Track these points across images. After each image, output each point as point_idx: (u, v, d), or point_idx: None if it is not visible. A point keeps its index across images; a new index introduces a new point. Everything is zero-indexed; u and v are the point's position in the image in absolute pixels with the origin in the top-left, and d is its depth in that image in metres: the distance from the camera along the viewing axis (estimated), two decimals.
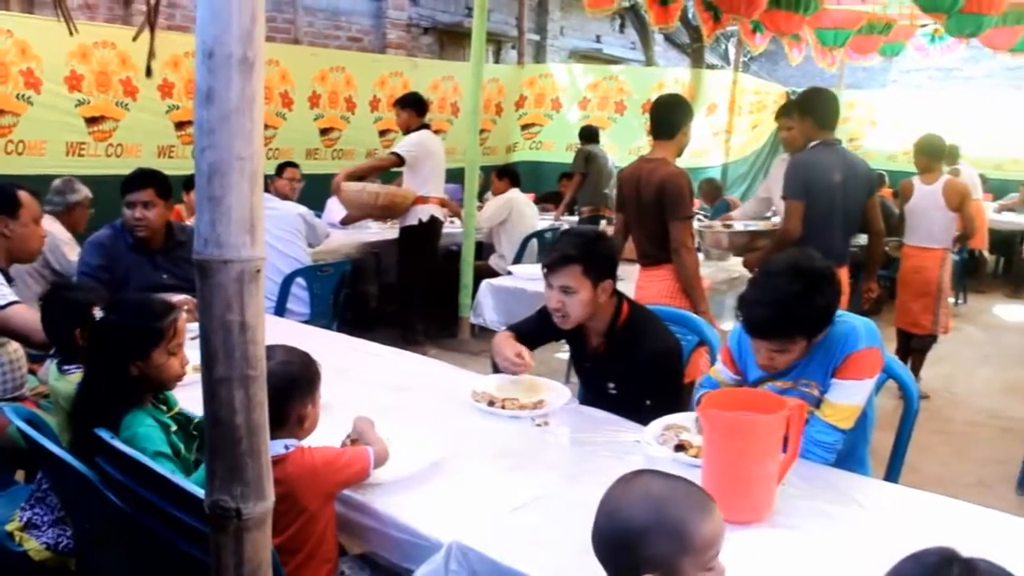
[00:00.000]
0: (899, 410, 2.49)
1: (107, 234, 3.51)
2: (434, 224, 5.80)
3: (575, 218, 7.70)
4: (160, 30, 5.38)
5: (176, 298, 2.83)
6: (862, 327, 2.17)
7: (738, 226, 4.95)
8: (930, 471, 3.94)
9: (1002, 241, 9.03)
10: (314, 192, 6.28)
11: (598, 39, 13.18)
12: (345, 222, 6.15)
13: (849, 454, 2.24)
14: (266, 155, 6.26)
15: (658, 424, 2.25)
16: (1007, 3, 6.42)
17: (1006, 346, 6.74)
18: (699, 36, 9.07)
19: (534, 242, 6.24)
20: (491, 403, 2.45)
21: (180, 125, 6.43)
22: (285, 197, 5.45)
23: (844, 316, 2.20)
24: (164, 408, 2.07)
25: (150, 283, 3.35)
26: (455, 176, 6.58)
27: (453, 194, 6.52)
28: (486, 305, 4.88)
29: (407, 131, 5.73)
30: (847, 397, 2.14)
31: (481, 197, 6.90)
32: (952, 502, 1.96)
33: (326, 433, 1.98)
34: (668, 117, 3.77)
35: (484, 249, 6.70)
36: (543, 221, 7.08)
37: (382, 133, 8.18)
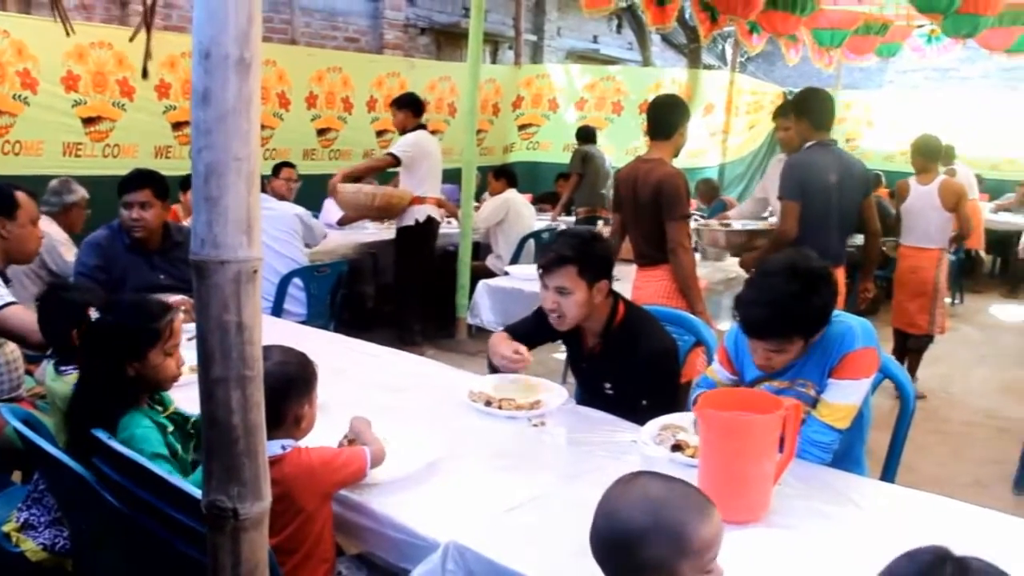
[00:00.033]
0: (896, 410, 2.50)
1: (104, 235, 3.50)
2: (431, 224, 5.80)
3: (572, 218, 7.69)
4: (156, 30, 5.38)
5: (173, 298, 2.83)
6: (858, 327, 2.17)
7: (736, 225, 4.96)
8: (927, 471, 3.95)
9: (998, 241, 9.05)
10: (311, 192, 6.27)
11: (595, 39, 13.18)
12: (342, 223, 6.15)
13: (845, 454, 2.25)
14: (263, 155, 6.27)
15: (655, 424, 2.25)
16: (1003, 4, 6.42)
17: (1003, 346, 6.76)
18: (696, 37, 9.08)
19: (531, 242, 6.24)
20: (488, 403, 2.45)
21: (177, 125, 6.41)
22: (282, 197, 5.44)
23: (841, 316, 2.21)
24: (160, 408, 2.08)
25: (147, 284, 3.34)
26: (452, 176, 6.58)
27: (450, 194, 6.52)
28: (483, 305, 4.87)
29: (403, 131, 5.73)
30: (843, 397, 2.15)
31: (478, 197, 6.90)
32: (948, 502, 1.96)
33: (323, 433, 1.98)
34: (665, 117, 3.77)
35: (481, 249, 6.70)
36: (540, 221, 7.07)
37: (379, 133, 8.17)
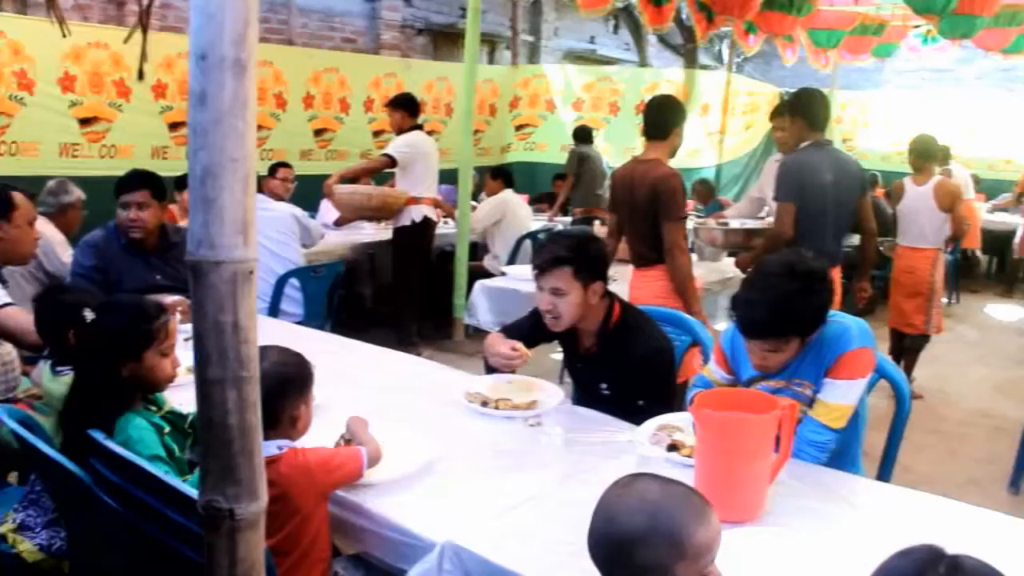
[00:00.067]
0: (892, 410, 2.50)
1: (100, 235, 3.50)
2: (427, 225, 5.79)
3: (569, 219, 7.70)
4: (153, 31, 5.37)
5: (170, 299, 2.83)
6: (855, 327, 2.18)
7: (733, 224, 4.96)
8: (923, 470, 3.96)
9: (995, 241, 9.07)
10: (308, 193, 6.27)
11: (592, 40, 13.17)
12: (339, 223, 6.15)
13: (842, 454, 2.25)
14: (260, 156, 6.29)
15: (651, 424, 2.26)
16: (999, 4, 6.44)
17: (999, 346, 6.77)
18: (693, 37, 9.09)
19: (528, 243, 6.24)
20: (484, 404, 2.45)
21: (173, 126, 6.42)
22: (279, 198, 5.43)
23: (837, 316, 2.21)
24: (154, 408, 2.08)
25: (144, 284, 3.33)
26: (449, 177, 6.58)
27: (447, 195, 6.52)
28: (480, 306, 4.88)
29: (400, 132, 5.73)
30: (840, 397, 2.15)
31: (475, 198, 6.90)
32: (944, 501, 1.97)
33: (320, 434, 1.98)
34: (661, 118, 3.77)
35: (478, 250, 6.70)
36: (537, 222, 7.08)
37: (376, 134, 8.17)
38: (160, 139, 6.38)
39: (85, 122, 5.87)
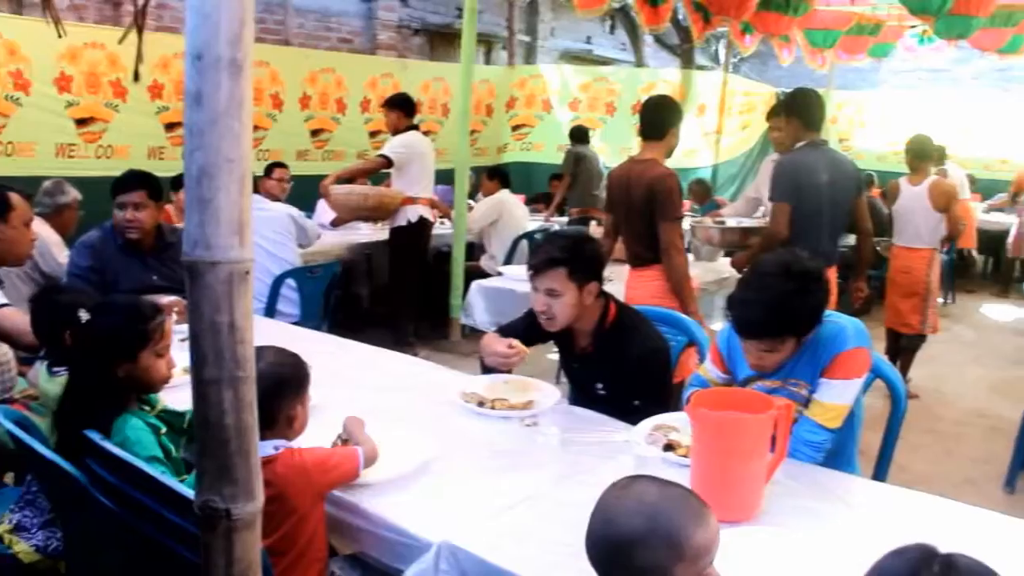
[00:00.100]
0: (887, 409, 2.51)
1: (97, 236, 3.49)
2: (423, 225, 5.79)
3: (565, 219, 7.70)
4: (148, 31, 5.37)
5: (166, 300, 2.83)
6: (851, 327, 2.18)
7: (730, 223, 4.97)
8: (919, 470, 3.97)
9: (990, 241, 9.09)
10: (304, 193, 6.26)
11: (589, 40, 13.18)
12: (335, 223, 6.14)
13: (838, 453, 2.26)
14: (256, 156, 6.28)
15: (647, 424, 2.26)
16: (995, 4, 6.45)
17: (995, 346, 6.79)
18: (689, 37, 9.11)
19: (524, 243, 6.24)
20: (481, 404, 2.45)
21: (170, 126, 6.40)
22: (275, 198, 5.43)
23: (833, 316, 2.22)
24: (148, 408, 2.07)
25: (140, 285, 3.33)
26: (445, 177, 6.58)
27: (444, 195, 6.52)
28: (476, 306, 4.88)
29: (396, 132, 5.73)
30: (835, 397, 2.15)
31: (472, 198, 6.90)
32: (939, 500, 1.97)
33: (316, 434, 1.98)
34: (657, 118, 3.77)
35: (474, 250, 6.70)
36: (533, 222, 7.09)
37: (373, 134, 8.17)
38: (156, 139, 6.37)
39: (81, 122, 5.86)
